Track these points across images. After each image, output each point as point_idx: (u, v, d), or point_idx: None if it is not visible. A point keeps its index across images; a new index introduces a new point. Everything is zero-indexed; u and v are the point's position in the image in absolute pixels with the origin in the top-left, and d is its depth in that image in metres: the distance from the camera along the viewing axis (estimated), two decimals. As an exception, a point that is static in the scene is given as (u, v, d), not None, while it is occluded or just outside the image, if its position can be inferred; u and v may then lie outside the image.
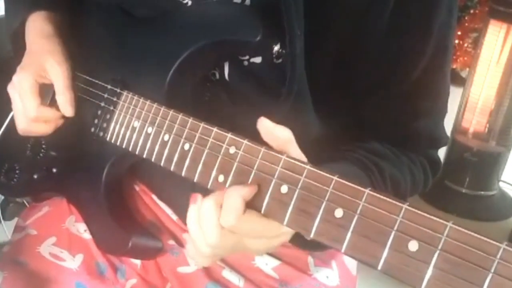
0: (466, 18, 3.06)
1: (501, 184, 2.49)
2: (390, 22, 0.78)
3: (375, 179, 0.79)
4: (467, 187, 2.41)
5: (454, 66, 3.17)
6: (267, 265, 0.92)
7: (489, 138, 2.32)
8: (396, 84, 0.83)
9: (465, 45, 3.13)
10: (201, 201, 0.63)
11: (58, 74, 0.89)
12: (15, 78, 0.89)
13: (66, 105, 0.89)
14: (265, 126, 0.62)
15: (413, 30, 0.79)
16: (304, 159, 0.63)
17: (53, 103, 0.91)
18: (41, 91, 0.90)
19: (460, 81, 2.64)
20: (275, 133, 0.62)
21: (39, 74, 0.89)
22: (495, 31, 2.18)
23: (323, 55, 0.79)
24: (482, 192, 2.42)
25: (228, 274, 0.91)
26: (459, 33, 3.07)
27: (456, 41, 3.08)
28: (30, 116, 0.89)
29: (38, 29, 0.93)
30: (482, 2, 3.04)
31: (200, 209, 0.63)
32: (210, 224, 0.62)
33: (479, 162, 2.36)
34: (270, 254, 0.93)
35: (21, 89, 0.89)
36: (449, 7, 0.81)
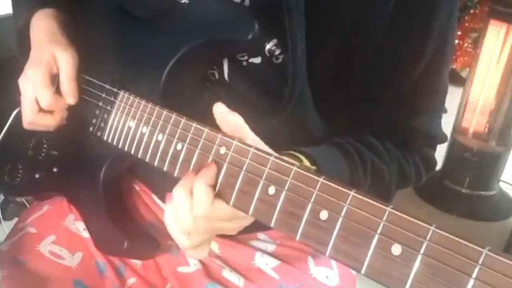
0: (466, 18, 3.05)
1: (501, 184, 2.49)
2: (390, 23, 0.78)
3: (354, 163, 0.80)
4: (467, 187, 2.40)
5: (454, 66, 3.17)
6: (267, 265, 0.92)
7: (489, 138, 2.32)
8: (396, 84, 0.83)
9: (465, 45, 3.12)
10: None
11: (65, 62, 0.90)
12: (28, 70, 0.90)
13: (69, 94, 0.90)
14: (220, 110, 0.66)
15: (413, 32, 0.79)
16: (261, 143, 0.67)
17: (58, 92, 0.91)
18: (52, 82, 0.91)
19: (460, 81, 2.64)
20: (228, 118, 0.66)
21: (51, 64, 0.90)
22: (495, 31, 2.17)
23: (324, 56, 0.79)
24: (482, 192, 2.42)
25: (228, 274, 0.91)
26: (459, 33, 3.06)
27: (456, 41, 3.07)
28: (46, 104, 0.89)
29: (43, 25, 0.94)
30: (482, 2, 3.04)
31: (173, 198, 0.66)
32: (183, 212, 0.65)
33: (479, 162, 2.35)
34: (270, 254, 0.93)
35: (35, 79, 0.89)
36: (450, 9, 0.81)
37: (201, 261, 0.93)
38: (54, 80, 0.90)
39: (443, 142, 0.94)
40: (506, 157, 2.40)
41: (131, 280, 0.92)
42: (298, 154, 0.72)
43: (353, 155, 0.80)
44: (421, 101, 0.86)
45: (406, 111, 0.85)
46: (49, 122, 0.92)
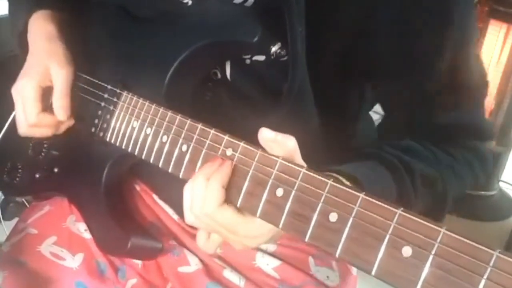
0: (466, 18, 3.05)
1: (501, 184, 2.49)
2: (401, 18, 0.76)
3: (401, 178, 0.76)
4: (467, 187, 2.40)
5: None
6: (268, 265, 0.92)
7: (489, 138, 2.32)
8: (420, 80, 0.81)
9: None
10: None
11: (59, 79, 0.89)
12: (19, 82, 0.90)
13: (60, 110, 0.90)
14: (267, 137, 0.62)
15: (429, 25, 0.77)
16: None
17: (50, 107, 0.91)
18: (43, 95, 0.90)
19: (460, 81, 2.63)
20: (279, 144, 0.62)
21: (43, 77, 0.90)
22: (495, 31, 2.17)
23: (326, 54, 0.79)
24: (482, 192, 2.42)
25: (228, 274, 0.91)
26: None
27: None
28: (30, 123, 0.90)
29: (40, 29, 0.93)
30: (482, 2, 3.03)
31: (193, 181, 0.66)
32: (197, 196, 0.66)
33: (479, 162, 2.35)
34: (271, 254, 0.93)
35: (23, 94, 0.89)
36: None
37: (202, 261, 0.93)
38: (46, 93, 0.90)
39: (491, 137, 0.88)
40: (506, 157, 2.41)
41: (132, 281, 0.92)
42: (338, 176, 0.68)
43: (398, 168, 0.76)
44: (458, 93, 0.82)
45: (437, 106, 0.82)
46: (43, 134, 0.93)
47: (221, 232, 0.68)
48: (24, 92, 0.89)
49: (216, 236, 0.70)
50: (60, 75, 0.89)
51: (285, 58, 0.79)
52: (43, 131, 0.92)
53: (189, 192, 0.67)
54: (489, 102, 2.27)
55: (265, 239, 0.68)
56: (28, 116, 0.89)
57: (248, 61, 0.82)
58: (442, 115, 0.83)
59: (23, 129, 0.92)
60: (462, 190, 0.85)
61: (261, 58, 0.81)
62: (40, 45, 0.92)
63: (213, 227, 0.67)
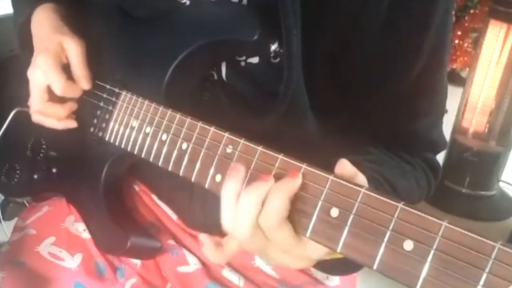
0: (466, 18, 3.05)
1: (501, 184, 2.49)
2: (387, 20, 0.77)
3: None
4: (467, 187, 2.40)
5: (454, 66, 3.17)
6: (267, 264, 0.92)
7: (489, 138, 2.32)
8: (395, 84, 0.82)
9: (465, 45, 3.12)
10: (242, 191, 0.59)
11: (75, 50, 0.89)
12: (38, 59, 0.88)
13: (82, 79, 0.89)
14: (346, 170, 0.57)
15: (410, 29, 0.79)
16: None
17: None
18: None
19: (460, 81, 2.64)
20: (355, 178, 0.58)
21: (59, 54, 0.89)
22: (495, 31, 2.17)
23: (320, 55, 0.79)
24: (482, 192, 2.42)
25: (228, 274, 0.91)
26: (459, 33, 3.06)
27: (456, 41, 3.07)
28: (60, 89, 0.87)
29: (45, 18, 0.93)
30: (482, 2, 3.04)
31: (239, 202, 0.58)
32: (246, 220, 0.57)
33: (479, 162, 2.35)
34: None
35: (46, 67, 0.87)
36: (446, 5, 0.80)
37: (201, 261, 0.93)
38: (64, 69, 0.89)
39: (443, 149, 0.92)
40: (506, 157, 2.40)
41: (131, 281, 0.92)
42: None
43: (381, 183, 0.75)
44: (421, 102, 0.84)
45: (405, 112, 0.84)
46: (58, 112, 0.90)
47: (266, 250, 0.60)
48: (46, 65, 0.87)
49: (231, 248, 0.64)
50: (75, 47, 0.89)
51: (279, 58, 0.79)
52: (59, 110, 0.90)
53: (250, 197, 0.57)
54: (489, 102, 2.27)
55: (312, 263, 0.61)
56: (56, 85, 0.87)
57: (243, 63, 0.82)
58: (407, 122, 0.84)
59: (40, 106, 0.90)
60: (421, 199, 0.87)
61: (255, 60, 0.81)
62: (46, 30, 0.92)
63: (260, 243, 0.59)
